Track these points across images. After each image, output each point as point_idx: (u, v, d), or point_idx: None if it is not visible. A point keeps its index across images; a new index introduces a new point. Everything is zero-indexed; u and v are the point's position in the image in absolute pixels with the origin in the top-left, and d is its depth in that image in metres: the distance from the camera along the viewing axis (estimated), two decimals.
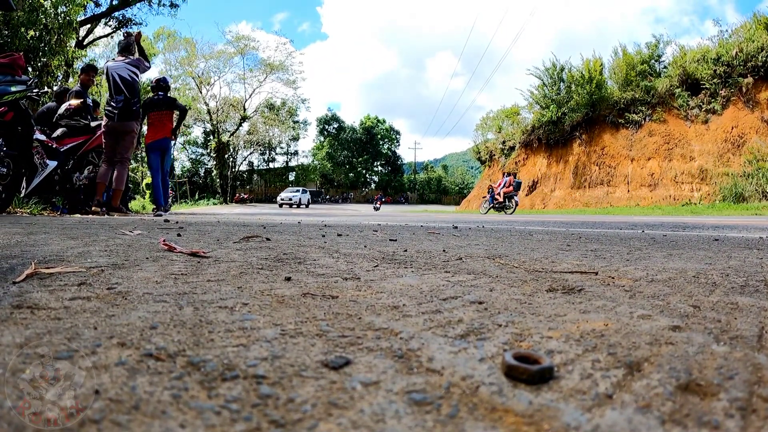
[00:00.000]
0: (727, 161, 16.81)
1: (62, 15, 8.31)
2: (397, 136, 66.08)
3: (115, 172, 5.82)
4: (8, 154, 4.30)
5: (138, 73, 5.88)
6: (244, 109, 45.68)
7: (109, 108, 5.79)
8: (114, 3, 17.74)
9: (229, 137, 45.83)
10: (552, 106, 21.86)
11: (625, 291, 1.11)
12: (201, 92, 43.65)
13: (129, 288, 1.02)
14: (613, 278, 1.30)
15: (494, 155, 26.97)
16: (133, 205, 8.59)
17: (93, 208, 5.61)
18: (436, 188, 64.57)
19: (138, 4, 18.34)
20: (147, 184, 10.07)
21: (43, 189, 5.83)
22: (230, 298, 0.95)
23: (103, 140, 5.89)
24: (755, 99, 17.03)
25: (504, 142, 25.96)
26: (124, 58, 5.90)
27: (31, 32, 7.89)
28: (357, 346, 0.66)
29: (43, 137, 5.80)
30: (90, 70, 6.69)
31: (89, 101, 6.47)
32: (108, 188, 5.85)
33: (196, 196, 39.38)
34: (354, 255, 1.77)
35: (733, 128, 17.24)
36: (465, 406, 0.49)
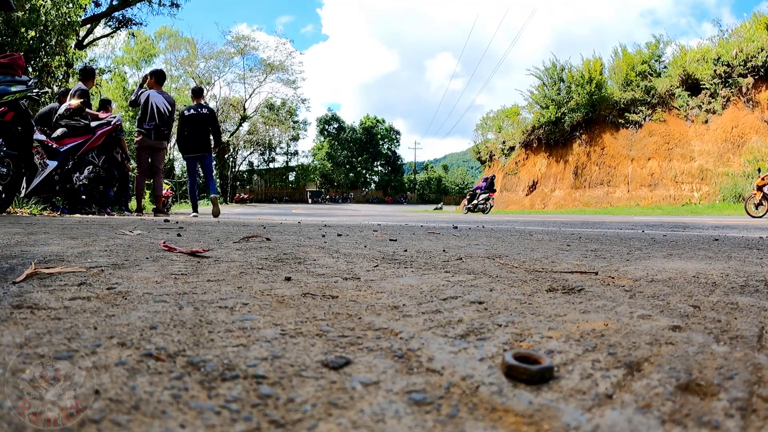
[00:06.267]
0: (727, 161, 16.81)
1: (63, 15, 8.30)
2: (397, 136, 66.06)
3: (154, 181, 7.30)
4: (8, 154, 4.30)
5: (170, 109, 7.09)
6: (244, 109, 45.66)
7: (142, 128, 6.94)
8: (114, 3, 17.74)
9: (229, 137, 45.81)
10: (552, 106, 21.85)
11: (625, 291, 1.11)
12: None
13: (129, 288, 1.02)
14: (613, 278, 1.30)
15: (494, 155, 26.96)
16: (132, 205, 8.64)
17: (135, 214, 6.81)
18: (436, 188, 64.54)
19: (138, 4, 18.34)
20: (147, 184, 10.10)
21: (43, 189, 5.83)
22: (230, 298, 0.95)
23: (137, 154, 7.11)
24: (755, 99, 17.02)
25: (504, 142, 25.95)
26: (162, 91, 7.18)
27: (32, 32, 7.88)
28: (357, 346, 0.66)
29: (43, 137, 5.80)
30: (92, 76, 6.83)
31: (90, 101, 6.50)
32: (140, 195, 7.29)
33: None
34: (354, 255, 1.77)
35: (733, 128, 17.23)
36: (465, 406, 0.49)
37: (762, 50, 16.56)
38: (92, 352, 0.60)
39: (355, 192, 60.18)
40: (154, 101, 6.92)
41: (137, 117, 7.13)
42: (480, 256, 1.83)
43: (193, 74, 41.88)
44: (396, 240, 2.52)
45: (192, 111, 7.13)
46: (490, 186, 15.92)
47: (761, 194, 10.79)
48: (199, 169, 7.33)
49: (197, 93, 7.41)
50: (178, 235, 2.55)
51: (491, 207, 15.84)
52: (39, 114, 6.75)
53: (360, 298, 0.99)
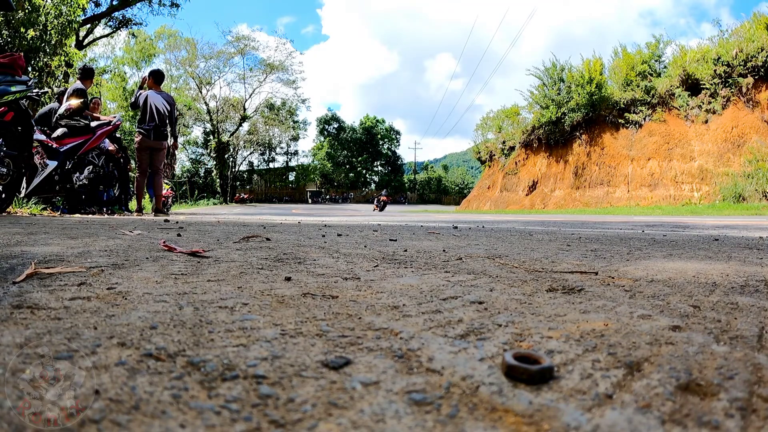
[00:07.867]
0: (727, 161, 16.81)
1: (62, 15, 8.30)
2: (397, 136, 66.05)
3: (154, 181, 7.23)
4: (8, 154, 4.30)
5: (170, 108, 7.12)
6: (244, 109, 45.64)
7: (141, 128, 6.93)
8: (114, 3, 17.75)
9: (229, 137, 45.81)
10: (552, 106, 21.84)
11: (625, 291, 1.11)
12: (201, 92, 43.63)
13: (129, 288, 1.02)
14: (613, 278, 1.30)
15: (494, 155, 26.95)
16: (132, 205, 8.66)
17: (135, 214, 6.70)
18: (436, 188, 64.51)
19: (138, 4, 18.35)
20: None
21: (43, 189, 5.83)
22: (230, 298, 0.95)
23: (137, 154, 7.07)
24: (755, 99, 17.02)
25: (504, 142, 25.94)
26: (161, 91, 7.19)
27: (31, 32, 7.88)
28: (357, 346, 0.66)
29: (43, 137, 5.80)
30: (91, 76, 6.79)
31: (88, 101, 6.49)
32: (140, 195, 7.20)
33: (196, 195, 39.35)
34: (354, 255, 1.77)
35: (733, 128, 17.23)
36: (465, 406, 0.49)
37: (762, 50, 16.55)
38: (92, 352, 0.60)
39: (355, 192, 60.16)
40: (153, 101, 6.96)
41: (137, 118, 7.12)
42: (480, 256, 1.83)
43: (193, 74, 41.88)
44: (396, 240, 2.52)
45: None
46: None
47: (378, 207, 20.36)
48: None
49: None
50: (178, 235, 2.55)
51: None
52: (39, 114, 6.75)
53: (360, 298, 0.99)
